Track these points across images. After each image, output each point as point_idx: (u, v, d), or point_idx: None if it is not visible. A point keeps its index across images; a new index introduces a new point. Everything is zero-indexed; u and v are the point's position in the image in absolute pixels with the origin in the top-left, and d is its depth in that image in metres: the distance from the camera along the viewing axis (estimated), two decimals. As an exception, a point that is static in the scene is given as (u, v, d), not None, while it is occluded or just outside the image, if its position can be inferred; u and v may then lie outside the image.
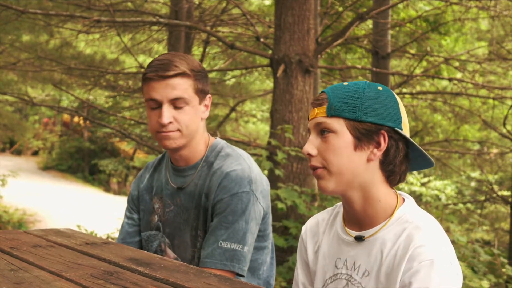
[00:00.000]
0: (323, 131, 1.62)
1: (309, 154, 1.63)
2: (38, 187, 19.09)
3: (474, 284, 5.83)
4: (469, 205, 12.50)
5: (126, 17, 8.05)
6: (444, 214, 7.72)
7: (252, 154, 6.81)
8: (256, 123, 20.08)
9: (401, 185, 18.34)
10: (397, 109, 1.62)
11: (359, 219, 1.66)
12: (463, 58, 10.22)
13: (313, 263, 1.80)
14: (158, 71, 2.01)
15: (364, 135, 1.59)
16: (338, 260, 1.70)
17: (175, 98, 2.01)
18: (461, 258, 6.01)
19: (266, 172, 6.43)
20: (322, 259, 1.76)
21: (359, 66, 8.47)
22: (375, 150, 1.60)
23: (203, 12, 10.50)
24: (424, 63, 10.60)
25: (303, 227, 1.87)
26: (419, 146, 1.65)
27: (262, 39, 7.24)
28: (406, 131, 1.63)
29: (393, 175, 1.64)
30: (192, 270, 1.50)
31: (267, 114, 15.91)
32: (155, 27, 8.94)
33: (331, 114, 1.60)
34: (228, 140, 7.06)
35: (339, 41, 7.19)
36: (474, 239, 8.67)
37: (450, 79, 8.45)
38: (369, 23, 10.48)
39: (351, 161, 1.60)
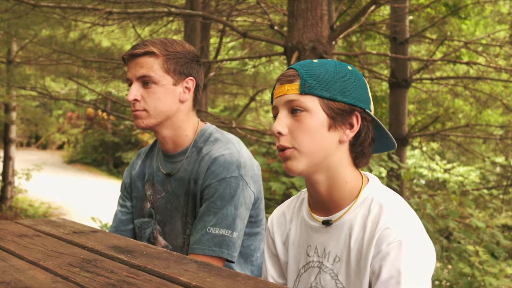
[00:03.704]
0: (295, 110, 1.55)
1: (279, 133, 1.56)
2: (63, 180, 19.30)
3: (493, 270, 5.76)
4: (493, 190, 12.31)
5: (140, 8, 8.04)
6: (467, 200, 7.61)
7: (267, 143, 6.77)
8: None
9: (424, 172, 18.16)
10: (366, 90, 1.59)
11: (325, 203, 1.61)
12: (484, 42, 10.04)
13: (283, 254, 1.75)
14: (129, 51, 2.05)
15: (338, 115, 1.54)
16: (309, 247, 1.65)
17: (141, 76, 2.03)
18: (479, 243, 5.93)
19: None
20: (292, 248, 1.71)
21: (375, 52, 8.35)
22: (347, 131, 1.56)
23: (218, 2, 10.47)
24: (444, 48, 10.44)
25: (269, 218, 1.83)
26: (384, 127, 1.61)
27: (276, 27, 7.18)
28: (373, 112, 1.60)
29: (361, 157, 1.60)
30: (173, 257, 1.48)
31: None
32: (169, 18, 8.93)
33: (304, 91, 1.53)
34: (243, 129, 7.03)
35: (354, 27, 7.09)
36: (494, 225, 8.55)
37: (467, 63, 8.29)
38: (388, 8, 10.35)
39: (324, 141, 1.54)
